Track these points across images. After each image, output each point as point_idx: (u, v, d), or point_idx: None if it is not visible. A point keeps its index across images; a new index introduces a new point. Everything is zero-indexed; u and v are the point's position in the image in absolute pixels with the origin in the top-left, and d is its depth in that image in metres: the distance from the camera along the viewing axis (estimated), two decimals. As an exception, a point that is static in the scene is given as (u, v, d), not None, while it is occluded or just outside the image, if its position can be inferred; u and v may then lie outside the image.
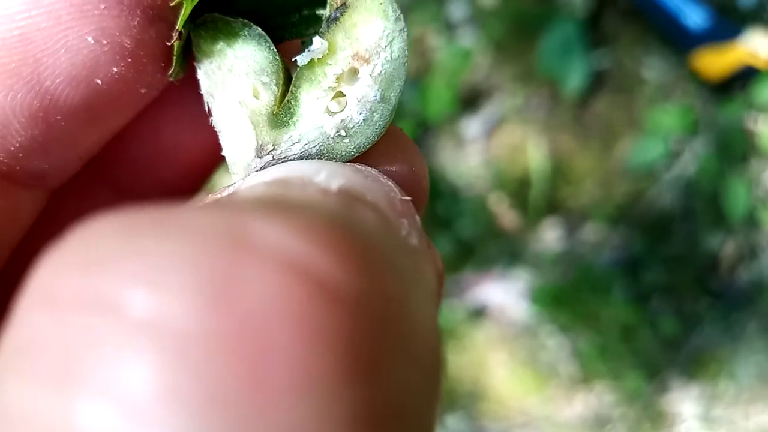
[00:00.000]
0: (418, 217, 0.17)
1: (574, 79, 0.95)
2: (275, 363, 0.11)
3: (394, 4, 0.17)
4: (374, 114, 0.18)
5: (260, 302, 0.11)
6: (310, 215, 0.13)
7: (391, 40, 0.17)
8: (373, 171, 0.17)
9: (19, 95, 0.17)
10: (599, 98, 0.96)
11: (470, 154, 0.96)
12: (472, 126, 0.96)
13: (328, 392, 0.11)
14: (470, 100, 0.97)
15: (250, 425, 0.10)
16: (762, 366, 0.94)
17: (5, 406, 0.11)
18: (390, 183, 0.17)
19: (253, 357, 0.11)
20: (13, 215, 0.19)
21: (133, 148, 0.22)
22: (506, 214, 0.96)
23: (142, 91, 0.18)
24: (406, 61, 0.18)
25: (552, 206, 0.95)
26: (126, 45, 0.17)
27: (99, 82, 0.17)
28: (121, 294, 0.11)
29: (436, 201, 0.94)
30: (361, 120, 0.18)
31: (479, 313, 0.94)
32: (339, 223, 0.13)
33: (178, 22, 0.17)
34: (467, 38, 0.98)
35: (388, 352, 0.12)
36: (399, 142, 0.19)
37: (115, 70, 0.17)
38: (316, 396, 0.11)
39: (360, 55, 0.17)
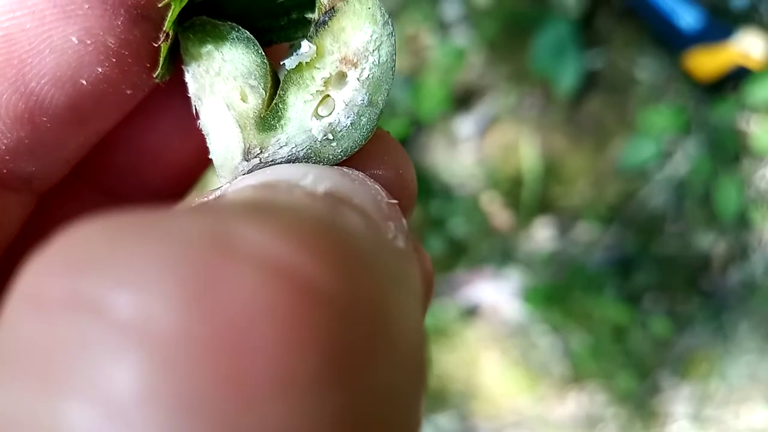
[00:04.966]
0: (404, 221, 0.17)
1: (567, 78, 0.95)
2: (256, 364, 0.11)
3: (383, 8, 0.17)
4: (362, 118, 0.18)
5: (241, 303, 0.11)
6: (294, 218, 0.13)
7: (380, 45, 0.17)
8: (360, 174, 0.17)
9: (4, 97, 0.17)
10: (592, 98, 0.97)
11: (463, 153, 0.96)
12: (466, 125, 0.96)
13: (309, 393, 0.11)
14: (463, 99, 0.97)
15: (231, 426, 0.10)
16: (753, 366, 0.94)
17: None
18: (377, 186, 0.17)
19: (233, 358, 0.11)
20: (1, 219, 0.19)
21: (122, 152, 0.22)
22: (499, 214, 0.96)
23: (128, 92, 0.18)
24: (394, 66, 0.18)
25: (544, 206, 0.96)
26: (110, 45, 0.17)
27: (84, 82, 0.17)
28: (105, 296, 0.11)
29: (428, 200, 0.94)
30: (349, 124, 0.18)
31: (471, 312, 0.94)
32: (324, 226, 0.13)
33: (166, 24, 0.17)
34: (461, 37, 0.98)
35: (370, 354, 0.12)
36: (386, 145, 0.19)
37: (100, 70, 0.17)
38: (297, 397, 0.11)
39: (348, 59, 0.17)
